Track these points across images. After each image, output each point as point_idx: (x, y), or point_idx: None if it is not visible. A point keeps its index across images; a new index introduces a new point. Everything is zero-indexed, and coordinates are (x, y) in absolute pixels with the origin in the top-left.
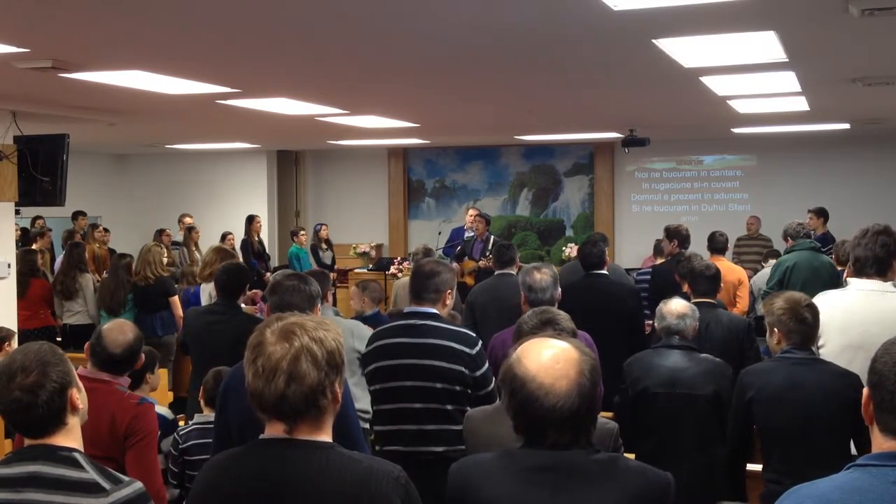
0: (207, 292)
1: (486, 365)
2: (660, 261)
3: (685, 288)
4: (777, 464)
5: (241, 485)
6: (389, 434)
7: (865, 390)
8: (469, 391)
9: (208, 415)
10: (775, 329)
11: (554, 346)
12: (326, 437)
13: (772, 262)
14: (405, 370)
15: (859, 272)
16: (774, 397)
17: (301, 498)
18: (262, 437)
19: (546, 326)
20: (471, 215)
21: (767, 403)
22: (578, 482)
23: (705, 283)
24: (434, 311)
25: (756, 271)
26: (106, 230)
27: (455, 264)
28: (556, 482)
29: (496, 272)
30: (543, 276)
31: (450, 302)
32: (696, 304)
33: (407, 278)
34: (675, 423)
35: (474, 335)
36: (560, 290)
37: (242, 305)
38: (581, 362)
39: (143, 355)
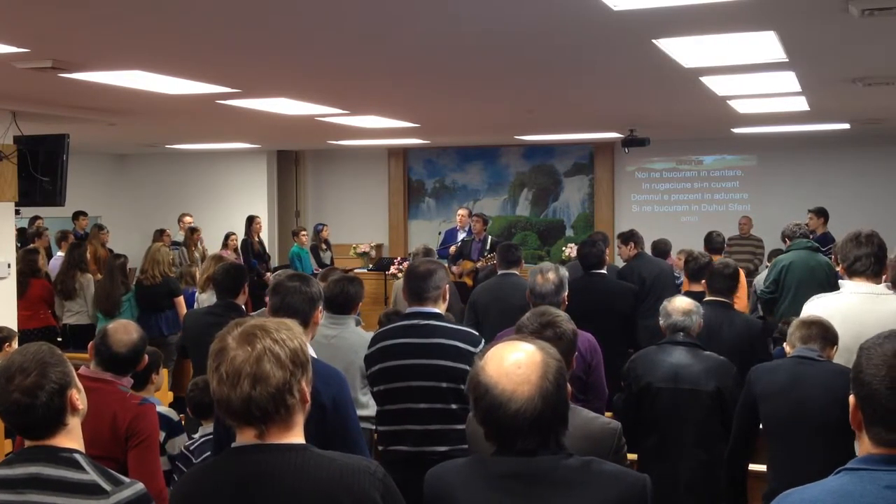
0: (204, 301)
1: None
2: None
3: (685, 287)
4: (779, 462)
5: (213, 492)
6: (394, 434)
7: (852, 398)
8: None
9: (208, 427)
10: (795, 332)
11: (518, 349)
12: (298, 438)
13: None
14: (411, 370)
15: (855, 275)
16: (777, 394)
17: (277, 501)
18: (234, 444)
19: (546, 329)
20: (461, 215)
21: (771, 400)
22: (551, 489)
23: (722, 280)
24: (436, 310)
25: (748, 270)
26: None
27: (453, 266)
28: (528, 490)
29: (500, 272)
30: (547, 280)
31: (447, 299)
32: (710, 301)
33: None
34: (677, 420)
35: (477, 333)
36: (567, 291)
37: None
38: (544, 365)
39: (146, 356)
